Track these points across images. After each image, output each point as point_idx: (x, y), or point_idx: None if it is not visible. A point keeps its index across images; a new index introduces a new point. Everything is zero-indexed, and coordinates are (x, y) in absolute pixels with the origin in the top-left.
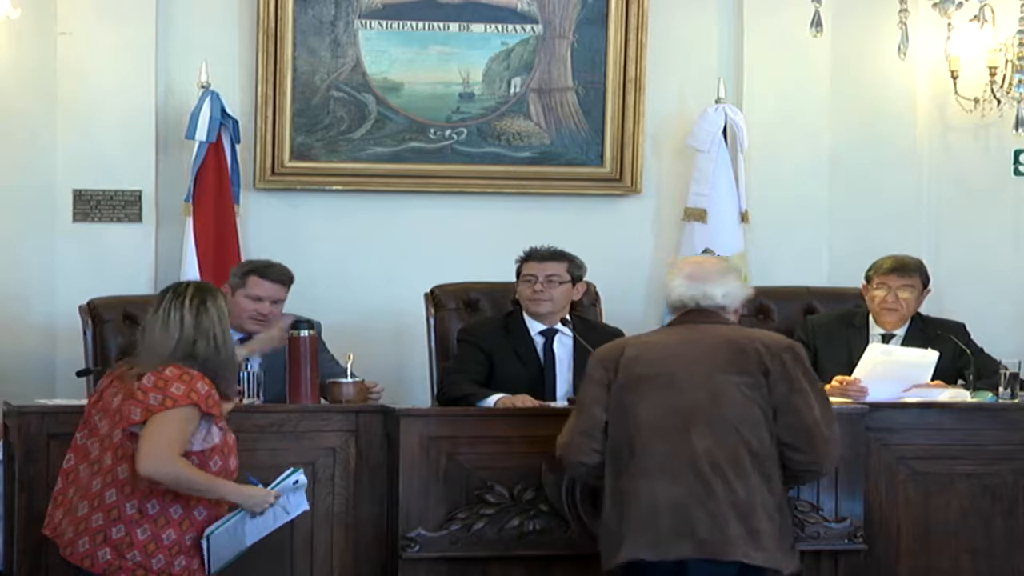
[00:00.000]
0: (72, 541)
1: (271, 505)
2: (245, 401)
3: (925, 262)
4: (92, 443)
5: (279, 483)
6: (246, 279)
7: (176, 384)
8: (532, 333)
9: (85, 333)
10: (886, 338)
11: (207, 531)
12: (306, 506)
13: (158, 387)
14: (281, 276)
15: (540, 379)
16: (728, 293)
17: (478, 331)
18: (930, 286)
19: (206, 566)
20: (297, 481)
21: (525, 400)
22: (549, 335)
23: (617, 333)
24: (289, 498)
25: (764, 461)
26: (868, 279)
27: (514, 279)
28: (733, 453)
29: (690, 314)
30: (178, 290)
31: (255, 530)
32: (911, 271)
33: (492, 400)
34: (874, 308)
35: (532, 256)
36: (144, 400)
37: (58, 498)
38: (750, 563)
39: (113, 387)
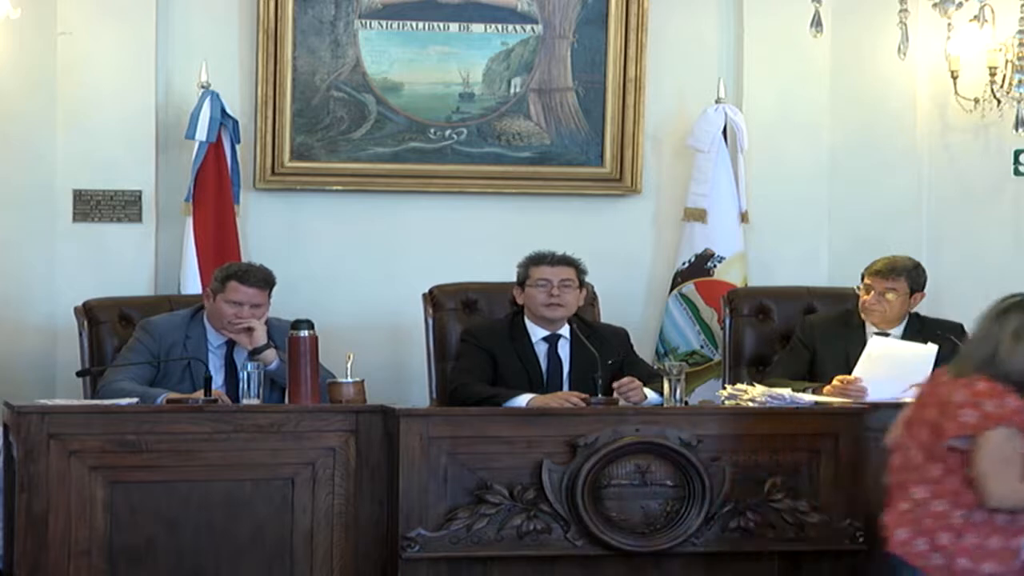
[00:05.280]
0: (909, 540)
1: None
2: (245, 401)
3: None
4: (912, 448)
5: None
6: (225, 284)
7: (989, 400)
8: (535, 339)
9: (81, 334)
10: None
11: None
12: None
13: (971, 403)
14: (259, 281)
15: (542, 384)
16: None
17: (482, 333)
18: (924, 291)
19: None
20: None
21: (560, 399)
22: (552, 340)
23: (619, 332)
24: None
25: None
26: (862, 277)
27: (513, 280)
28: None
29: None
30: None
31: None
32: (896, 274)
33: (523, 400)
34: (860, 307)
35: (543, 260)
36: (958, 416)
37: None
38: None
39: (936, 390)
